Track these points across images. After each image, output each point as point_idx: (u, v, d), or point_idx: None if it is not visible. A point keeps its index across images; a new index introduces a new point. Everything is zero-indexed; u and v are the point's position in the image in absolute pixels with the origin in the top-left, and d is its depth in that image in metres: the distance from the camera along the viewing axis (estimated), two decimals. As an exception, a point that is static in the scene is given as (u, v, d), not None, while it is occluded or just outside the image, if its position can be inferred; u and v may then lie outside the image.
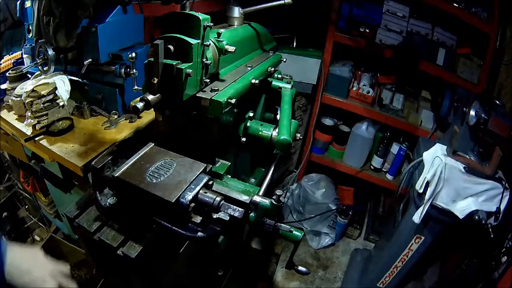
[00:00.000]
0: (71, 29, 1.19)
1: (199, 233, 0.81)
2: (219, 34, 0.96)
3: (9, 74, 1.39)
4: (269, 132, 1.13)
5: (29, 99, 1.24)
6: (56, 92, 1.27)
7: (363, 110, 2.17)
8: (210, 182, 0.85)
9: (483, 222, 1.22)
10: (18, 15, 1.49)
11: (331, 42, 2.09)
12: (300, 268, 1.09)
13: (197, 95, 0.91)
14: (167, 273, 0.90)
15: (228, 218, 0.83)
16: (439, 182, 1.29)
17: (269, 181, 1.16)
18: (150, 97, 0.83)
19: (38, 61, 1.27)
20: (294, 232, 0.98)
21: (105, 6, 1.28)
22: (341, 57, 2.26)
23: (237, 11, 1.24)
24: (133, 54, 0.90)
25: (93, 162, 0.86)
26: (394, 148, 2.22)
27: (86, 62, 1.27)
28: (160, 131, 1.07)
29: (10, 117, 1.38)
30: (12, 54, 1.59)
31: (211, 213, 0.82)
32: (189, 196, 0.77)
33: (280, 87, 1.26)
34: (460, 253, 1.66)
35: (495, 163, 1.22)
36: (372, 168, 2.37)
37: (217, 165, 1.05)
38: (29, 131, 1.29)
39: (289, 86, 1.26)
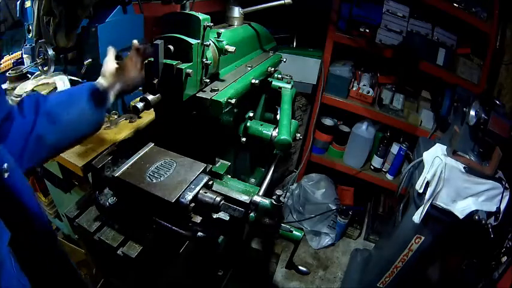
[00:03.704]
0: (71, 29, 1.19)
1: (199, 233, 0.81)
2: (219, 34, 0.96)
3: (9, 74, 1.38)
4: (269, 132, 1.13)
5: (29, 99, 1.24)
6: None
7: (363, 110, 2.17)
8: (210, 182, 0.85)
9: (483, 222, 1.22)
10: (18, 15, 1.48)
11: (331, 42, 2.09)
12: (300, 268, 1.08)
13: (197, 95, 0.91)
14: (167, 273, 0.90)
15: (228, 218, 0.83)
16: (439, 182, 1.29)
17: (269, 181, 1.16)
18: (150, 97, 0.83)
19: (38, 61, 1.27)
20: (294, 232, 0.98)
21: (105, 6, 1.28)
22: (341, 57, 2.26)
23: (237, 11, 1.24)
24: (134, 54, 0.90)
25: (93, 162, 0.86)
26: (394, 148, 2.22)
27: (86, 62, 1.26)
28: (161, 131, 1.07)
29: (10, 117, 1.37)
30: (12, 54, 1.59)
31: (211, 213, 0.82)
32: (189, 196, 0.77)
33: (280, 87, 1.26)
34: (460, 253, 1.66)
35: (495, 163, 1.22)
36: (372, 168, 2.37)
37: (217, 165, 1.05)
38: (29, 131, 1.29)
39: (289, 86, 1.26)
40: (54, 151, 0.82)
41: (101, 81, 0.87)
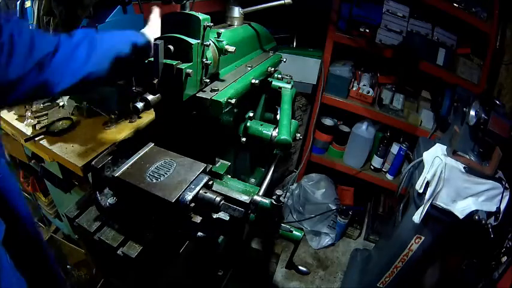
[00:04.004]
0: (71, 29, 1.19)
1: (199, 233, 0.81)
2: (219, 34, 0.95)
3: (9, 74, 1.38)
4: (269, 132, 1.13)
5: (29, 99, 1.24)
6: (56, 92, 1.27)
7: (363, 110, 2.17)
8: (210, 182, 0.85)
9: (483, 222, 1.22)
10: (18, 15, 1.48)
11: (331, 42, 2.09)
12: (300, 268, 1.09)
13: (197, 95, 0.91)
14: (167, 273, 0.90)
15: (228, 218, 0.83)
16: (439, 182, 1.29)
17: (269, 181, 1.16)
18: (150, 97, 0.83)
19: (38, 61, 1.27)
20: (294, 232, 0.98)
21: (105, 6, 1.28)
22: (341, 57, 2.26)
23: (237, 11, 1.24)
24: (134, 54, 0.89)
25: (93, 162, 0.86)
26: (394, 148, 2.22)
27: (86, 62, 1.26)
28: (161, 131, 1.07)
29: (10, 117, 1.38)
30: (12, 54, 1.59)
31: (211, 213, 0.82)
32: (189, 196, 0.77)
33: (280, 87, 1.26)
34: (460, 253, 1.66)
35: (495, 163, 1.22)
36: (372, 168, 2.37)
37: (217, 165, 1.05)
38: (29, 131, 1.29)
39: (289, 86, 1.26)
40: (85, 88, 0.88)
41: (146, 32, 0.92)
